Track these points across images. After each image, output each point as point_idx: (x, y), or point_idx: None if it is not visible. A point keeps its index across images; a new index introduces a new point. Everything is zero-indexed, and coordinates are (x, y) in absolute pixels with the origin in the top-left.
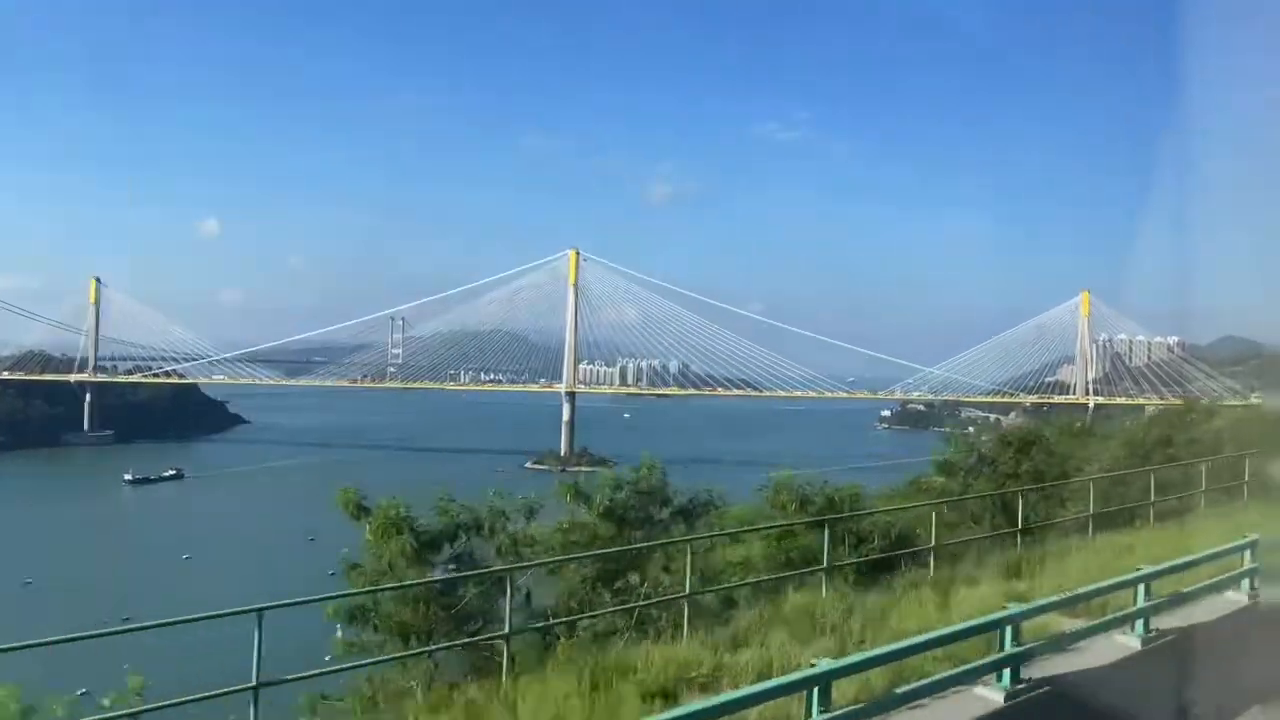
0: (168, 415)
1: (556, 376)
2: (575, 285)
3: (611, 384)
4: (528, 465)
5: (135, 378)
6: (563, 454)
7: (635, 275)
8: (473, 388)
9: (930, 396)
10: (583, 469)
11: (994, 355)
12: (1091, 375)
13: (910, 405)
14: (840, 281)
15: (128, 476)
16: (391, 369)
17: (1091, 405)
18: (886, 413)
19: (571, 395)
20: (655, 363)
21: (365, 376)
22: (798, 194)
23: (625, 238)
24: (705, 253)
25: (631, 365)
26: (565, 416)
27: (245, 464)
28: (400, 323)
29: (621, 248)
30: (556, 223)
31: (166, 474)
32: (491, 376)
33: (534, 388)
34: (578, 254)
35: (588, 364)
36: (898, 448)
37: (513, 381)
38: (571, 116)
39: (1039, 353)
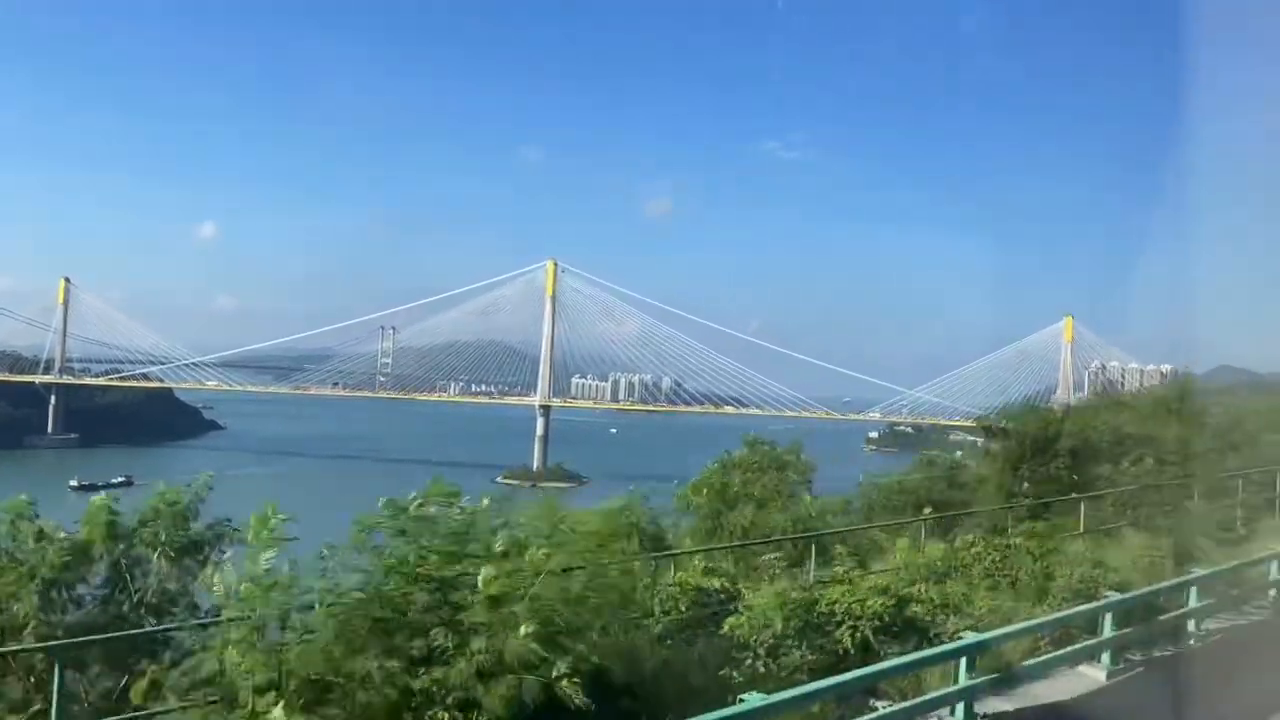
0: (137, 420)
1: (562, 393)
2: (553, 297)
3: (603, 398)
4: (499, 480)
5: (102, 380)
6: (535, 469)
7: (617, 289)
8: (461, 399)
9: (918, 420)
10: (555, 485)
11: (980, 379)
12: (1076, 402)
13: (898, 427)
14: (833, 301)
15: (73, 483)
16: (381, 378)
17: None
18: (874, 434)
19: (546, 409)
20: (647, 378)
21: (338, 384)
22: (796, 213)
23: (623, 252)
24: (702, 269)
25: (624, 380)
26: (539, 431)
27: (206, 472)
28: (390, 331)
29: (619, 262)
30: (553, 234)
31: (115, 481)
32: (482, 388)
33: (525, 401)
34: (555, 265)
35: (580, 378)
36: (885, 469)
37: (504, 394)
38: (571, 130)
39: (1025, 377)
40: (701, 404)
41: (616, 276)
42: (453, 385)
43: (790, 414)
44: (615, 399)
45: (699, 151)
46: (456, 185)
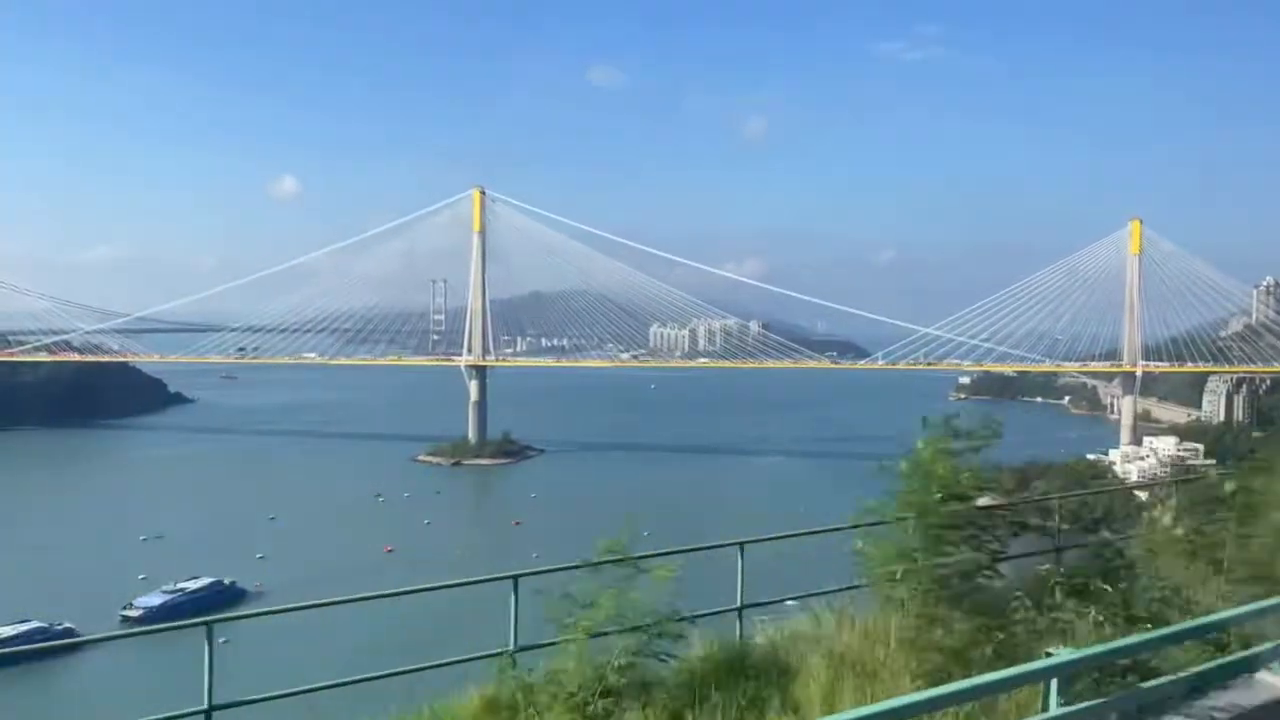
0: (73, 397)
1: (639, 344)
2: (481, 233)
3: (682, 348)
4: (420, 457)
5: (41, 356)
6: (471, 442)
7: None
8: (505, 363)
9: (1023, 366)
10: (488, 462)
11: (1015, 308)
12: (1233, 329)
13: (993, 373)
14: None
15: None
16: (435, 337)
17: (1139, 374)
18: (965, 380)
19: (480, 370)
20: (731, 323)
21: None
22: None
23: (712, 180)
24: (800, 196)
25: (703, 327)
26: (473, 397)
27: (130, 453)
28: (443, 284)
29: (706, 192)
30: (635, 162)
31: None
32: (553, 342)
33: (597, 362)
34: (483, 194)
35: (659, 327)
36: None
37: (578, 351)
38: (649, 47)
39: (1082, 301)
40: (754, 357)
41: (700, 205)
42: (520, 341)
43: (861, 365)
44: (694, 348)
45: (807, 58)
46: (518, 111)
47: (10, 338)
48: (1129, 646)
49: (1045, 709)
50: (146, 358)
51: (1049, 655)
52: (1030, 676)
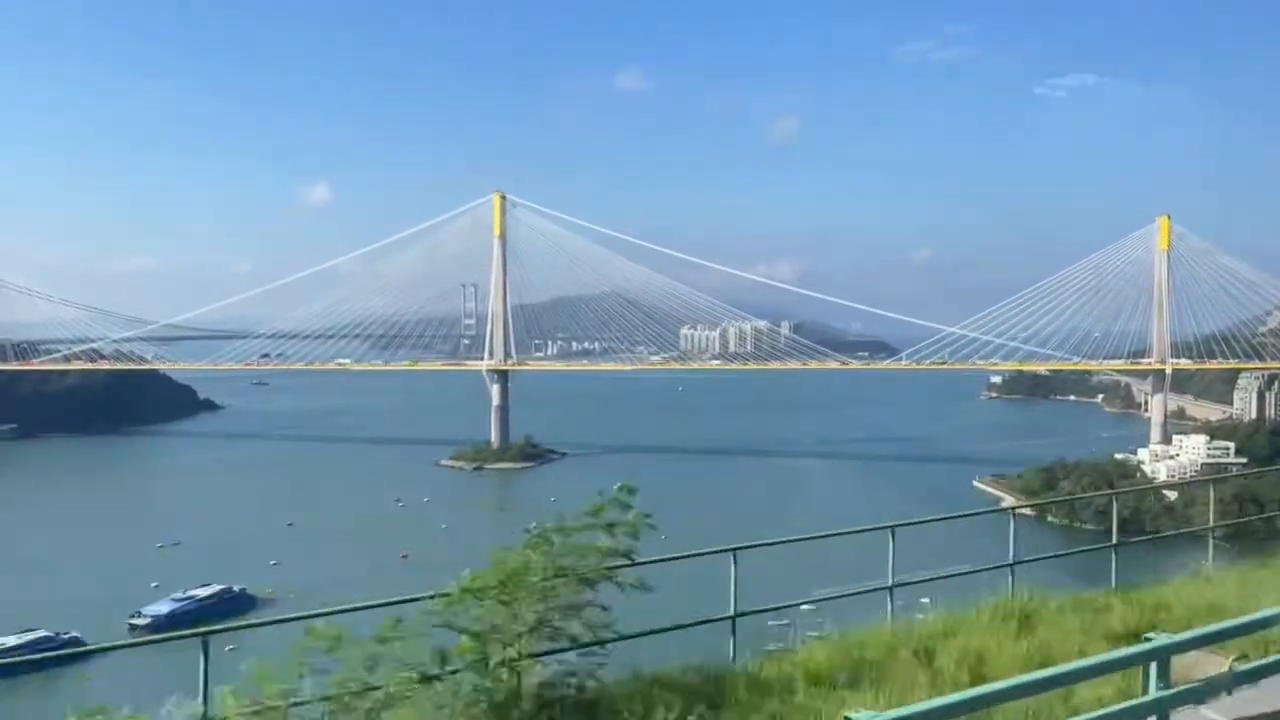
0: (99, 405)
1: (666, 347)
2: (502, 237)
3: (714, 350)
4: (444, 462)
5: (70, 364)
6: (494, 446)
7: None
8: (528, 367)
9: (1057, 364)
10: (510, 466)
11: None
12: (1270, 325)
13: (1026, 372)
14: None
15: None
16: (466, 341)
17: (1169, 371)
18: (997, 379)
19: (501, 374)
20: (762, 325)
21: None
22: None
23: (742, 183)
24: (831, 196)
25: (734, 329)
26: (495, 401)
27: (157, 460)
28: (473, 289)
29: (736, 195)
30: (662, 166)
31: None
32: (584, 346)
33: (624, 365)
34: (503, 198)
35: (689, 329)
36: (1023, 421)
37: (605, 355)
38: (673, 50)
39: (1107, 299)
40: (797, 358)
41: (724, 210)
42: (551, 345)
43: (891, 365)
44: (724, 349)
45: (833, 62)
46: (545, 115)
47: (40, 346)
48: (1228, 629)
49: (1145, 693)
50: (175, 365)
51: (1148, 639)
52: (1129, 660)
